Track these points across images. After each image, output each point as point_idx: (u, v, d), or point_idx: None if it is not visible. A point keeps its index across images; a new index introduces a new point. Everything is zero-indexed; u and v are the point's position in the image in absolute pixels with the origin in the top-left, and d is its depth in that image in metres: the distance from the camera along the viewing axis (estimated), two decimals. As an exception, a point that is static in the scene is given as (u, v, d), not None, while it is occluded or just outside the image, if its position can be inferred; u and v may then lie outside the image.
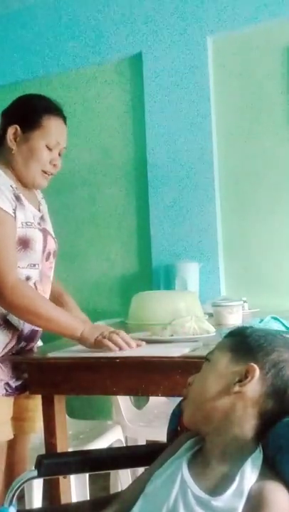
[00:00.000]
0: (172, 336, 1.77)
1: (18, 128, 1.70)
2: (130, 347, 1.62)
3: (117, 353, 1.61)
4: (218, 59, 3.10)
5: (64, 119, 1.79)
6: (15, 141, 1.71)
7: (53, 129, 1.73)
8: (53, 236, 1.85)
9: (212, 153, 3.07)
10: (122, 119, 3.31)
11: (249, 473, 0.92)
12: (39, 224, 1.76)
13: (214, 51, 3.11)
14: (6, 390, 1.67)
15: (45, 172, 1.74)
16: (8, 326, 1.67)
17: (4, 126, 1.73)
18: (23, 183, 1.75)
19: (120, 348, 1.61)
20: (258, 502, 0.90)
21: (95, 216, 3.38)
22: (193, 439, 1.06)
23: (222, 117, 3.10)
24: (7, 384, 1.67)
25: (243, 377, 0.98)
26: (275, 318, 1.78)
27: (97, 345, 1.62)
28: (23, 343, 1.73)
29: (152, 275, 3.18)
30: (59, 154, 1.77)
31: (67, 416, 1.85)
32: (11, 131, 1.70)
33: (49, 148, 1.72)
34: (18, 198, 1.68)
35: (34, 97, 1.82)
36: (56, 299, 1.89)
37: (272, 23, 2.95)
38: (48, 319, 1.64)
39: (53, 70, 3.45)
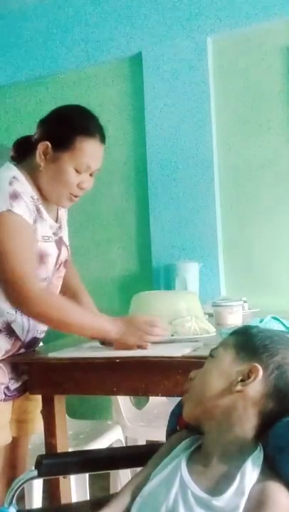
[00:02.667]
0: (172, 336, 1.77)
1: (50, 145, 1.61)
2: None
3: (117, 353, 1.61)
4: (218, 59, 3.10)
5: (102, 138, 1.67)
6: (44, 157, 1.62)
7: (86, 152, 1.62)
8: (67, 244, 1.81)
9: (212, 153, 3.08)
10: (122, 119, 3.31)
11: (250, 473, 0.92)
12: (55, 234, 1.72)
13: (214, 51, 3.11)
14: (5, 395, 1.66)
15: (71, 194, 1.67)
16: (11, 333, 1.66)
17: (38, 137, 1.65)
18: (46, 197, 1.69)
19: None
20: (259, 502, 0.89)
21: (95, 216, 3.38)
22: (190, 438, 1.05)
23: (222, 117, 3.10)
24: (6, 388, 1.66)
25: (246, 377, 0.98)
26: (275, 318, 1.78)
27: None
28: (22, 350, 1.72)
29: (152, 275, 3.18)
30: (91, 174, 1.68)
31: (67, 416, 1.85)
32: (41, 147, 1.62)
33: (78, 172, 1.64)
34: (38, 210, 1.64)
35: (73, 112, 1.70)
36: (71, 296, 1.86)
37: (272, 23, 2.96)
38: (79, 326, 1.62)
39: (53, 70, 3.45)
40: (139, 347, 1.63)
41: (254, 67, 3.03)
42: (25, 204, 1.58)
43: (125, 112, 3.31)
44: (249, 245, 3.04)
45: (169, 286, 3.01)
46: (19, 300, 1.56)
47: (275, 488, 0.91)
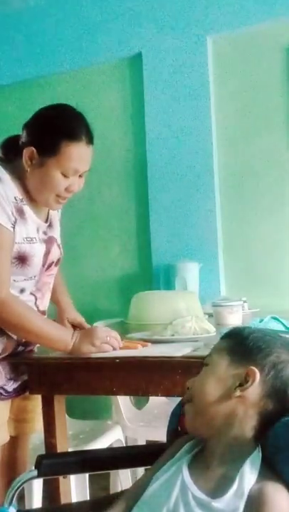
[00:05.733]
0: (173, 335, 1.77)
1: (35, 151, 1.59)
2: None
3: (117, 353, 1.61)
4: (218, 59, 3.10)
5: (88, 140, 1.65)
6: (31, 162, 1.61)
7: (72, 157, 1.60)
8: (59, 243, 1.80)
9: (212, 153, 3.08)
10: (122, 119, 3.31)
11: (248, 474, 0.92)
12: (44, 233, 1.72)
13: (214, 51, 3.11)
14: (1, 394, 1.66)
15: (58, 197, 1.65)
16: (1, 332, 1.65)
17: (23, 142, 1.64)
18: (34, 199, 1.68)
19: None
20: (258, 503, 0.89)
21: (94, 216, 3.38)
22: (192, 441, 1.05)
23: (222, 117, 3.10)
24: (2, 388, 1.66)
25: (244, 381, 0.98)
26: (275, 318, 1.78)
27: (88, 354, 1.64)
28: (21, 348, 1.72)
29: (152, 275, 3.18)
30: (80, 175, 1.66)
31: (67, 416, 1.85)
32: (26, 153, 1.60)
33: (65, 176, 1.62)
34: (20, 212, 1.62)
35: (57, 114, 1.67)
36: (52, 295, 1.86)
37: (272, 23, 2.95)
38: (38, 335, 1.63)
39: (53, 70, 3.44)
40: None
41: (254, 67, 3.03)
42: (4, 211, 1.57)
43: (125, 111, 3.31)
44: (249, 245, 3.04)
45: (169, 286, 3.01)
46: None
47: (274, 489, 0.91)
